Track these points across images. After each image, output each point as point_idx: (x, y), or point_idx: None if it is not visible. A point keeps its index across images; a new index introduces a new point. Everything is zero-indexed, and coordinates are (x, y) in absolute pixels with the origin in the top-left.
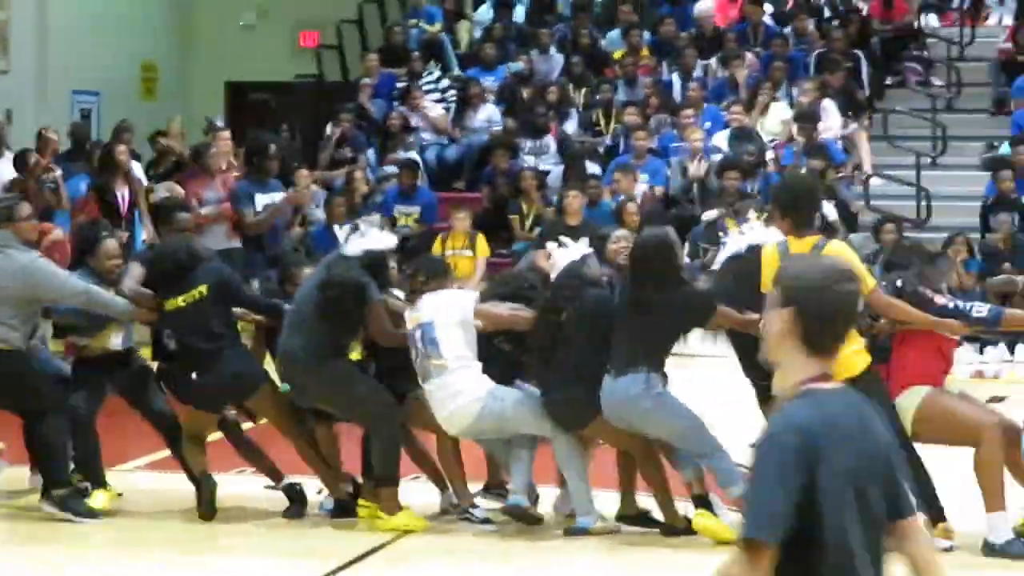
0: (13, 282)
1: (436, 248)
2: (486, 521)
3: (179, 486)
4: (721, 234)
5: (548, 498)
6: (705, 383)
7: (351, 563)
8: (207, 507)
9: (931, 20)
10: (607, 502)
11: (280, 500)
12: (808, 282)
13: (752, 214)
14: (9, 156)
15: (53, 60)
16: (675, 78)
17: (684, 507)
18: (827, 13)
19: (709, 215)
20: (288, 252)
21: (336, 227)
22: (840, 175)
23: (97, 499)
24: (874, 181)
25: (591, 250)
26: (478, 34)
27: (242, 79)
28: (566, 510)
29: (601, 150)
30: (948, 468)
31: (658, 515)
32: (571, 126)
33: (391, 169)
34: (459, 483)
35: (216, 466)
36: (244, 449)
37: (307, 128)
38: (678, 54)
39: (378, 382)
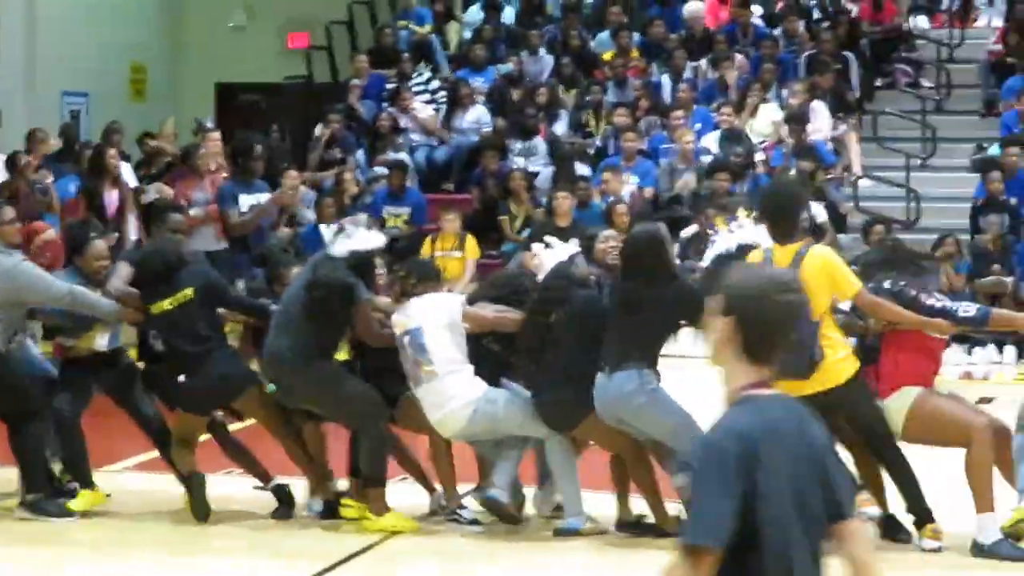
0: None
1: (426, 249)
2: (474, 522)
3: (167, 487)
4: (711, 232)
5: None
6: (697, 384)
7: (339, 564)
8: (200, 506)
9: (920, 22)
10: (596, 503)
11: (268, 501)
12: (747, 292)
13: (742, 212)
14: (1, 158)
15: (42, 61)
16: (665, 79)
17: (679, 508)
18: (817, 15)
19: (688, 231)
20: (277, 252)
21: (323, 227)
22: (830, 176)
23: (79, 500)
24: (864, 182)
25: (578, 250)
26: (468, 35)
27: (231, 80)
28: (546, 510)
29: (591, 151)
30: (935, 468)
31: (648, 517)
32: (561, 127)
33: (380, 170)
34: (449, 485)
35: (204, 467)
36: (231, 450)
37: (296, 129)
38: (668, 55)
39: (365, 382)
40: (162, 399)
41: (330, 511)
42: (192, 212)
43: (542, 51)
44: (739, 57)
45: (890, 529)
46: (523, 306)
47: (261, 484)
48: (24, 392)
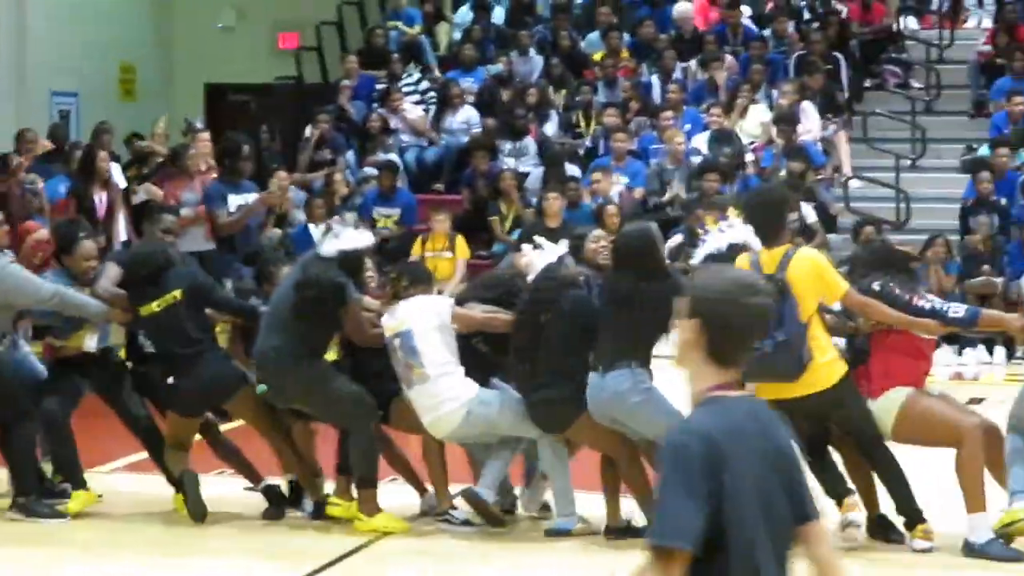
0: None
1: (416, 250)
2: (466, 523)
3: (158, 488)
4: (701, 232)
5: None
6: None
7: (330, 564)
8: (196, 506)
9: (910, 23)
10: (588, 504)
11: (259, 501)
12: (713, 294)
13: (732, 211)
14: None
15: (31, 60)
16: (655, 80)
17: None
18: (806, 15)
19: (673, 242)
20: (267, 251)
21: (312, 227)
22: (819, 177)
23: (74, 502)
24: (853, 183)
25: (567, 251)
26: (457, 36)
27: (221, 81)
28: (533, 509)
29: (581, 152)
30: (925, 469)
31: (640, 519)
32: (551, 128)
33: (370, 171)
34: (441, 486)
35: (195, 468)
36: (222, 450)
37: (287, 130)
38: (658, 56)
39: (355, 382)
40: (154, 402)
41: (321, 511)
42: (182, 212)
43: (532, 52)
44: (729, 58)
45: (882, 529)
46: (514, 307)
47: (252, 485)
48: (13, 393)
